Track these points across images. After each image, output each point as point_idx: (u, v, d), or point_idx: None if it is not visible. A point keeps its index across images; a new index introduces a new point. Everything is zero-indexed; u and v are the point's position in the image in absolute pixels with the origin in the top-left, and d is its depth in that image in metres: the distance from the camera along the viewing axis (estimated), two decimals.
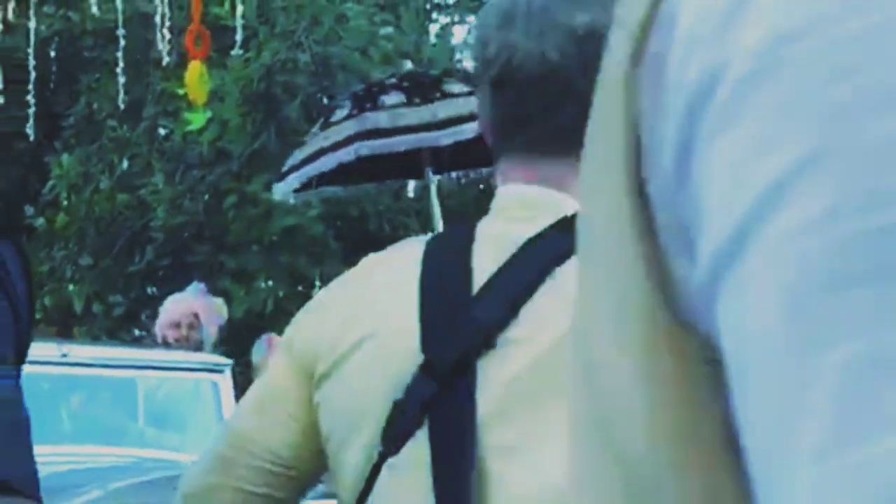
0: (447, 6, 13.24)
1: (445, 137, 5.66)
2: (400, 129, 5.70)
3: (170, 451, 5.65)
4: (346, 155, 5.76)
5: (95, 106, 11.74)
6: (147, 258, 10.92)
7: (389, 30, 11.40)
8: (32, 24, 9.75)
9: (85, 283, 11.08)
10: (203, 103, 8.02)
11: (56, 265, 11.27)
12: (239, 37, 8.29)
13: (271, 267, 10.63)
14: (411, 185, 13.77)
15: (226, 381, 5.81)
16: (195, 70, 7.26)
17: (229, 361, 5.99)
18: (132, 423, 5.94)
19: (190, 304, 6.72)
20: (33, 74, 9.35)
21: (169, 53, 8.98)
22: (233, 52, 8.95)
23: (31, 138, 10.17)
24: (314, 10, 10.93)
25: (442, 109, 5.70)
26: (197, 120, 7.92)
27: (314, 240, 10.65)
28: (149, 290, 11.14)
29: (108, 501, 4.77)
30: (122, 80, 9.17)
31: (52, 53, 12.21)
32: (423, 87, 5.95)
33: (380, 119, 5.72)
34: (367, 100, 5.89)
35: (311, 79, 10.89)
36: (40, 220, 11.42)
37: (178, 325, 6.56)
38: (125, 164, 11.35)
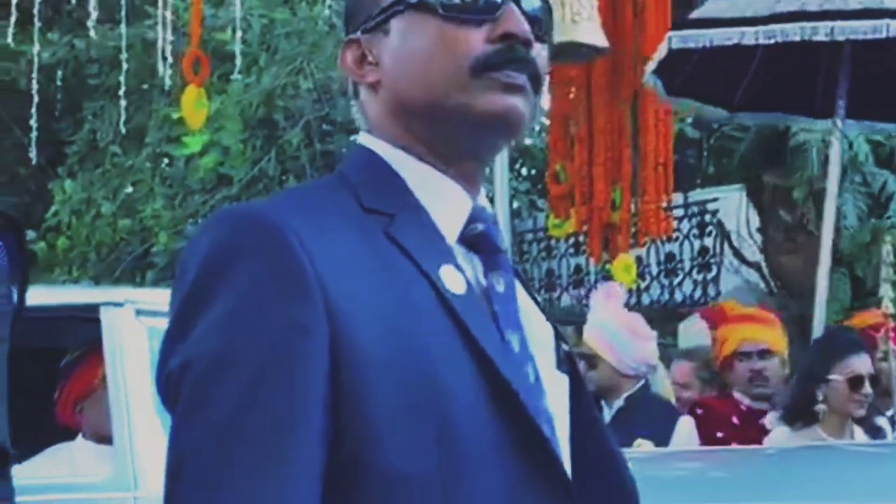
0: None
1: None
2: (828, 13, 4.45)
3: None
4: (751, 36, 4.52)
5: (99, 133, 11.79)
6: (148, 283, 10.95)
7: None
8: (36, 50, 9.81)
9: None
10: (200, 127, 8.07)
11: None
12: (238, 61, 8.34)
13: None
14: None
15: None
16: (191, 95, 7.31)
17: None
18: None
19: None
20: (36, 100, 9.39)
21: (171, 79, 9.03)
22: (232, 77, 8.99)
23: (34, 163, 10.23)
24: (315, 36, 10.99)
25: None
26: (194, 143, 7.98)
27: None
28: None
29: None
30: (123, 104, 9.22)
31: (58, 82, 12.29)
32: None
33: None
34: None
35: (312, 104, 10.94)
36: (41, 244, 11.46)
37: None
38: (128, 189, 11.39)
